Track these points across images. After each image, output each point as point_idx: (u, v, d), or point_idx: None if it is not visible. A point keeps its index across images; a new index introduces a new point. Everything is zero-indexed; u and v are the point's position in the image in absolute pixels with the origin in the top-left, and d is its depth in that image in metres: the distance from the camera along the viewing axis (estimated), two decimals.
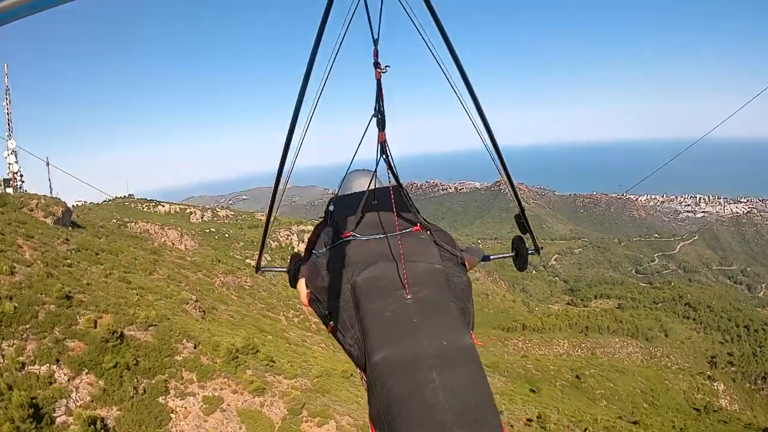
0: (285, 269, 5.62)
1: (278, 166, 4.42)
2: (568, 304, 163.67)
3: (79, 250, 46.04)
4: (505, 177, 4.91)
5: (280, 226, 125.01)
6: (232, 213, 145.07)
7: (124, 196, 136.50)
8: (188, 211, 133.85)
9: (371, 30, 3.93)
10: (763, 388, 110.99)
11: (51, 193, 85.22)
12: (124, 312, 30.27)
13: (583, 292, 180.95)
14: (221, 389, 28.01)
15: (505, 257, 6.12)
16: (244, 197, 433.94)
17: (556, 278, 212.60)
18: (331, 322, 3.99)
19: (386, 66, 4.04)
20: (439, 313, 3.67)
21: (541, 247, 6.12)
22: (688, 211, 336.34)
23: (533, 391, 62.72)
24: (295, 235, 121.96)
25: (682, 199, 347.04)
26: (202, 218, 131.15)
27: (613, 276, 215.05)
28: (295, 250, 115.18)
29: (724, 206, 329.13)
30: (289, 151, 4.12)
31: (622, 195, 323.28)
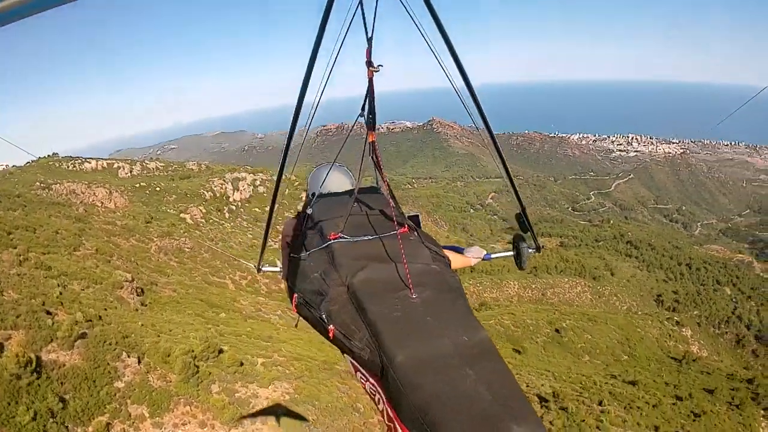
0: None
1: (281, 160, 4.34)
2: (509, 242, 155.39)
3: None
4: (505, 175, 5.00)
5: (213, 175, 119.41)
6: (162, 164, 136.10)
7: (48, 156, 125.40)
8: (116, 165, 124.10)
9: (365, 28, 3.80)
10: (726, 332, 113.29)
11: None
12: (41, 322, 22.46)
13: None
14: (184, 424, 21.13)
15: (506, 256, 6.24)
16: (173, 146, 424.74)
17: (495, 216, 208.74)
18: (331, 326, 3.86)
19: (379, 65, 3.94)
20: (449, 311, 3.70)
21: (543, 246, 5.99)
22: (620, 150, 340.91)
23: (518, 352, 61.63)
24: (230, 183, 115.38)
25: (614, 138, 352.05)
26: (131, 173, 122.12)
27: (551, 213, 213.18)
28: (231, 198, 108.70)
29: (657, 146, 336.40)
30: (291, 145, 4.10)
31: (556, 134, 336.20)
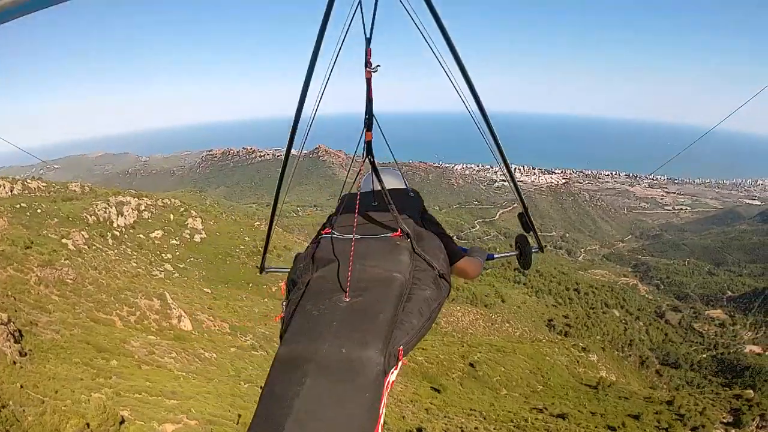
0: (288, 270, 4.89)
1: (281, 169, 4.86)
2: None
3: None
4: (508, 177, 5.23)
5: (97, 198, 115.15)
6: (44, 184, 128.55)
7: None
8: None
9: (364, 29, 3.81)
10: (630, 355, 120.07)
11: None
12: None
13: None
14: None
15: (510, 256, 6.61)
16: (56, 166, 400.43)
17: None
18: (281, 313, 3.98)
19: (377, 65, 3.93)
20: (363, 321, 3.55)
21: (545, 245, 6.45)
22: (503, 180, 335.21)
23: (438, 391, 58.35)
24: (114, 207, 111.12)
25: (497, 168, 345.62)
26: (11, 192, 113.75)
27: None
28: (115, 223, 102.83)
29: (539, 176, 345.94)
30: (290, 154, 4.50)
31: (440, 164, 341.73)
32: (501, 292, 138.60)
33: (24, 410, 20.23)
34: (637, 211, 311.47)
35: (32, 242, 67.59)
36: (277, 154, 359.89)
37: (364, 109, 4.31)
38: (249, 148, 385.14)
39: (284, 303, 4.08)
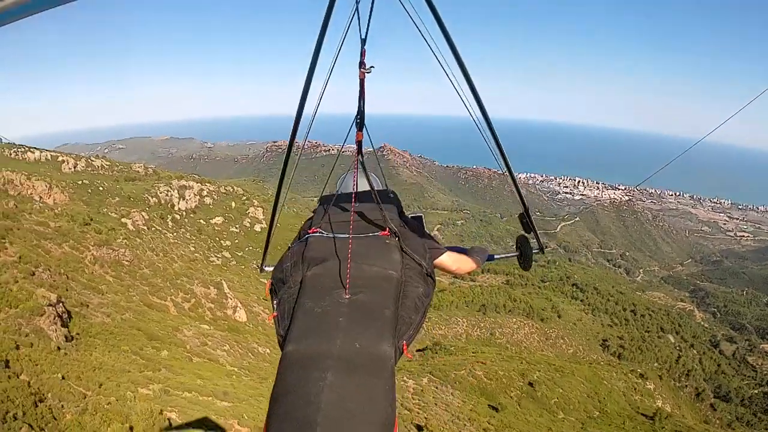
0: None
1: (283, 164, 4.61)
2: (455, 277, 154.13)
3: None
4: (510, 177, 4.96)
5: (159, 180, 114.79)
6: (108, 163, 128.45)
7: None
8: (60, 159, 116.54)
9: (359, 29, 3.83)
10: (686, 386, 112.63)
11: None
12: None
13: None
14: None
15: (510, 257, 6.31)
16: (120, 146, 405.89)
17: None
18: (275, 312, 3.99)
19: (371, 66, 3.94)
20: (368, 317, 3.62)
21: (546, 246, 6.16)
22: (566, 193, 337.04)
23: (495, 409, 55.42)
24: (176, 191, 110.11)
25: (561, 180, 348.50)
26: (75, 168, 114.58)
27: (495, 250, 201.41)
28: (176, 206, 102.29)
29: (603, 191, 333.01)
30: (293, 147, 4.40)
31: (504, 171, 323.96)
32: (558, 306, 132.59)
33: (63, 406, 18.19)
34: (698, 234, 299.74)
35: (91, 219, 66.86)
36: (342, 150, 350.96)
37: (357, 108, 4.26)
38: (314, 142, 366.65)
39: (275, 302, 4.02)
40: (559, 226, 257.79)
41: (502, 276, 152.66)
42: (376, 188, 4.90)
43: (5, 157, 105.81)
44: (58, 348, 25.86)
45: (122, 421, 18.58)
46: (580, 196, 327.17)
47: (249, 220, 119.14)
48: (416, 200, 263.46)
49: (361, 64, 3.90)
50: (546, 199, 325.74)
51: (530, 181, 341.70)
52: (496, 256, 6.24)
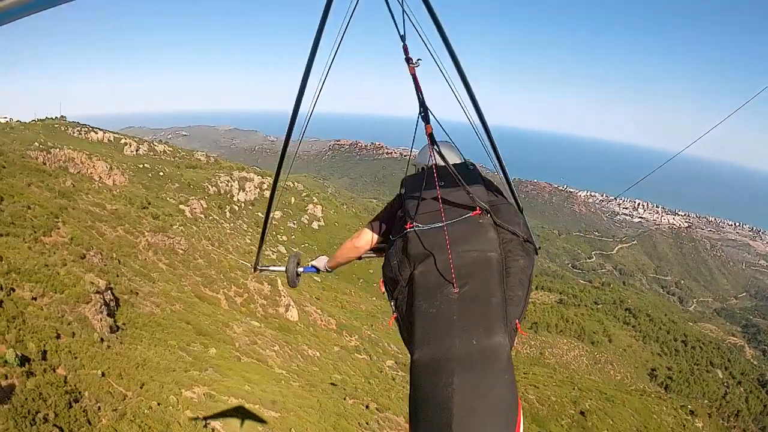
0: (284, 269, 5.90)
1: (279, 159, 4.69)
2: None
3: None
4: (504, 181, 4.80)
5: (221, 170, 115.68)
6: (170, 149, 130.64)
7: (55, 117, 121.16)
8: (123, 141, 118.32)
9: (396, 27, 3.82)
10: (735, 426, 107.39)
11: None
12: None
13: None
14: None
15: None
16: (185, 133, 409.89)
17: None
18: (394, 314, 4.05)
19: (418, 59, 3.95)
20: (478, 309, 3.62)
21: (539, 247, 5.12)
22: (625, 214, 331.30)
23: None
24: (236, 182, 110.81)
25: (621, 201, 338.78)
26: (136, 151, 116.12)
27: (551, 267, 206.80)
28: (236, 197, 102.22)
29: (662, 216, 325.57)
30: (289, 144, 4.47)
31: (564, 187, 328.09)
32: (609, 330, 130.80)
33: (99, 408, 16.97)
34: (755, 267, 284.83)
35: (149, 203, 67.00)
36: (404, 153, 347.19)
37: (418, 103, 4.15)
38: (377, 143, 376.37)
39: (392, 303, 4.05)
40: (616, 248, 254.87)
41: (556, 294, 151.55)
42: (457, 162, 4.88)
43: (68, 135, 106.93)
44: (101, 340, 24.53)
45: (162, 431, 17.03)
46: (639, 219, 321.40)
47: (307, 217, 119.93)
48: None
49: (408, 59, 3.89)
50: (605, 219, 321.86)
51: (590, 200, 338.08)
52: None
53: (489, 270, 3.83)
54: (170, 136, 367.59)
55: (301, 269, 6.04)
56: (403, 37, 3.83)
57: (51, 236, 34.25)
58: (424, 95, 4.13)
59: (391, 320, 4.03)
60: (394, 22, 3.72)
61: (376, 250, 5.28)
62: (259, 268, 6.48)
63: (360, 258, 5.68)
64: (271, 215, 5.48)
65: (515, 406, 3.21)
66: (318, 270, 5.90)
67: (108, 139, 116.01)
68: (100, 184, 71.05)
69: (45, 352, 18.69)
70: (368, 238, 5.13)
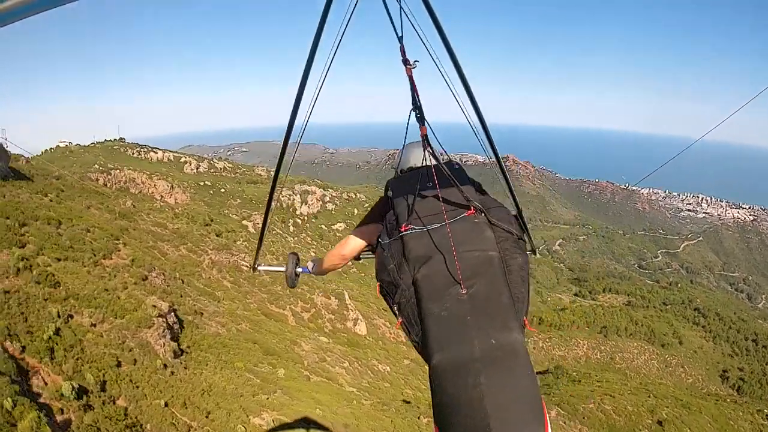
0: (283, 269, 5.95)
1: (278, 158, 4.63)
2: (576, 294, 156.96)
3: None
4: (503, 179, 4.87)
5: (282, 184, 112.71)
6: (230, 165, 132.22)
7: (114, 139, 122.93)
8: (183, 160, 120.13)
9: (394, 28, 3.80)
10: None
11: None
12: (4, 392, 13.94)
13: (590, 284, 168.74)
14: None
15: None
16: (244, 149, 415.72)
17: (562, 265, 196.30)
18: (399, 319, 4.01)
19: (415, 61, 3.99)
20: (490, 308, 3.67)
21: (538, 247, 6.03)
22: (689, 210, 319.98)
23: None
24: (298, 195, 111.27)
25: (684, 197, 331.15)
26: (197, 169, 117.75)
27: (617, 268, 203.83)
28: (298, 210, 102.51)
29: (726, 210, 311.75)
30: (288, 145, 4.31)
31: (626, 186, 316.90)
32: (679, 332, 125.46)
33: None
34: None
35: (212, 220, 67.70)
36: (464, 160, 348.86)
37: (413, 104, 4.25)
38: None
39: (395, 308, 4.02)
40: (682, 246, 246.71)
41: (624, 296, 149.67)
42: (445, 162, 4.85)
43: (128, 156, 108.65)
44: (164, 366, 23.58)
45: None
46: (704, 215, 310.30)
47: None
48: (538, 213, 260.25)
49: (405, 61, 3.91)
50: (669, 216, 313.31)
51: (653, 197, 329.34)
52: None
53: (493, 269, 3.87)
54: (229, 152, 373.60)
55: (300, 269, 6.00)
56: (400, 39, 3.83)
57: (111, 259, 33.35)
58: (420, 97, 4.20)
59: (397, 325, 3.99)
60: (392, 22, 3.69)
61: (366, 253, 5.22)
62: (257, 268, 6.44)
63: (359, 259, 5.60)
64: (269, 217, 5.54)
65: (540, 398, 3.28)
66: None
67: (168, 159, 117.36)
68: (161, 203, 71.76)
69: (104, 382, 17.82)
70: (355, 245, 5.09)
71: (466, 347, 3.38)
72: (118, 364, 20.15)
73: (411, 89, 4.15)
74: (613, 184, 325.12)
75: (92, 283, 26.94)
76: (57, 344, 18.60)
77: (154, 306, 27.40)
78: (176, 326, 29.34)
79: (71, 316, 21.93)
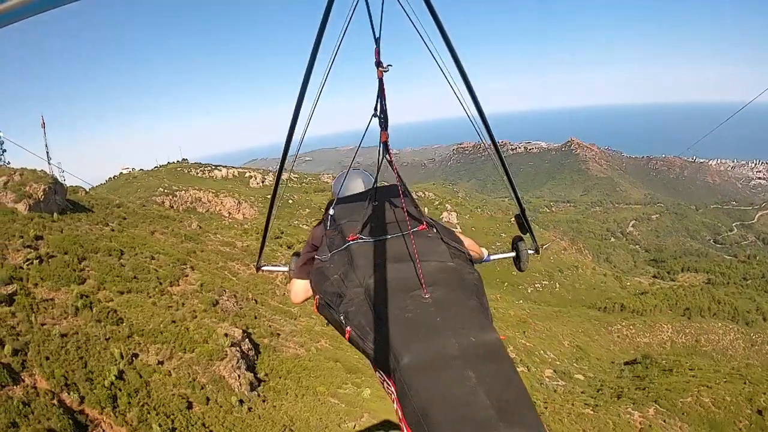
0: (287, 269, 5.45)
1: (279, 164, 4.49)
2: (654, 276, 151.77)
3: (50, 257, 27.00)
4: (505, 177, 4.90)
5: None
6: (296, 176, 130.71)
7: (177, 161, 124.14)
8: (247, 175, 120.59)
9: (372, 28, 3.63)
10: None
11: (49, 163, 67.15)
12: None
13: (668, 264, 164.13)
14: None
15: (506, 257, 5.84)
16: (307, 158, 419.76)
17: (637, 247, 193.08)
18: (348, 328, 3.71)
19: (388, 65, 3.79)
20: (459, 311, 3.51)
21: (542, 245, 7.04)
22: (760, 178, 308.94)
23: None
24: None
25: (753, 164, 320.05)
26: (262, 183, 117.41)
27: (693, 245, 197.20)
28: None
29: None
30: (290, 151, 4.14)
31: (694, 159, 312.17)
32: (762, 308, 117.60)
33: None
34: None
35: (282, 232, 68.36)
36: (529, 148, 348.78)
37: (379, 109, 4.05)
38: (501, 141, 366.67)
39: (340, 317, 3.73)
40: (757, 216, 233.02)
41: (703, 275, 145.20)
42: (370, 186, 5.00)
43: (192, 176, 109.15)
44: (240, 402, 21.92)
45: None
46: None
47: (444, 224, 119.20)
48: (608, 195, 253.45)
49: (378, 63, 3.72)
50: (740, 186, 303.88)
51: (721, 168, 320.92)
52: (492, 257, 5.67)
53: (453, 277, 3.76)
54: (294, 163, 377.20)
55: None
56: (377, 40, 3.61)
57: (179, 285, 32.25)
58: (386, 103, 3.97)
59: (346, 336, 3.64)
60: (371, 22, 3.49)
61: None
62: (261, 267, 6.09)
63: None
64: (273, 216, 4.96)
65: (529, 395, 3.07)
66: None
67: (233, 175, 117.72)
68: (230, 220, 72.94)
69: (173, 430, 16.26)
70: (304, 286, 4.68)
71: (440, 346, 3.11)
72: (189, 406, 18.68)
73: (379, 92, 3.91)
74: (681, 158, 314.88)
75: (158, 315, 25.42)
76: (120, 390, 17.16)
77: (227, 334, 25.98)
78: (252, 353, 27.84)
79: (136, 356, 20.49)
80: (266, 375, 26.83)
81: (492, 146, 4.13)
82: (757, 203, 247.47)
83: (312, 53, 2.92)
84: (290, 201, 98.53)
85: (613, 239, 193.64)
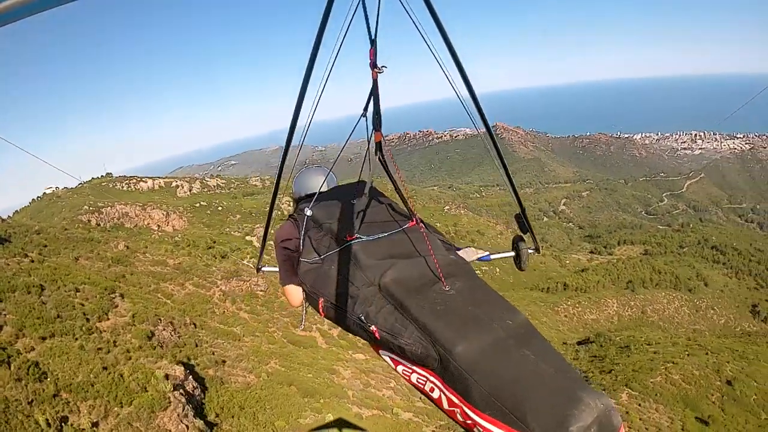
0: None
1: (279, 163, 4.53)
2: (592, 252, 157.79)
3: None
4: (505, 176, 4.76)
5: (279, 191, 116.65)
6: (224, 181, 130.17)
7: (101, 176, 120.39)
8: (174, 184, 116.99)
9: (368, 30, 3.80)
10: None
11: None
12: None
13: (604, 239, 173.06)
14: None
15: (506, 257, 5.94)
16: (233, 162, 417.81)
17: (571, 224, 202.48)
18: (373, 328, 3.76)
19: (383, 66, 3.94)
20: (484, 299, 3.70)
21: (542, 246, 6.01)
22: (685, 149, 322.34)
23: (704, 423, 49.67)
24: None
25: (677, 135, 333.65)
26: (190, 191, 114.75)
27: (626, 218, 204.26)
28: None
29: (721, 142, 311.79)
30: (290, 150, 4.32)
31: (619, 135, 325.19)
32: (702, 274, 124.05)
33: None
34: None
35: (214, 242, 65.06)
36: (454, 135, 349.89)
37: (372, 109, 4.20)
38: (425, 130, 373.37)
39: (361, 316, 3.78)
40: (686, 185, 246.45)
41: (639, 246, 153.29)
42: (332, 186, 5.50)
43: (118, 191, 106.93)
44: None
45: None
46: (700, 151, 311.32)
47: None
48: (537, 176, 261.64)
49: (373, 64, 3.83)
50: (666, 158, 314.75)
51: (647, 141, 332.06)
52: (492, 256, 5.76)
53: (465, 269, 3.95)
54: (220, 168, 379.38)
55: None
56: (373, 41, 3.72)
57: (108, 319, 28.77)
58: (380, 103, 4.10)
59: (376, 332, 3.66)
60: (367, 23, 3.63)
61: None
62: (261, 269, 6.41)
63: None
64: (272, 218, 5.30)
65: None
66: None
67: (159, 185, 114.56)
68: (159, 233, 70.43)
69: None
70: (300, 290, 4.66)
71: (486, 331, 3.30)
72: None
73: (372, 93, 4.03)
74: (606, 135, 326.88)
75: (87, 362, 21.79)
76: None
77: (167, 376, 22.70)
78: (198, 392, 24.80)
79: (65, 419, 17.24)
80: (217, 416, 24.18)
81: (492, 149, 4.21)
82: (685, 173, 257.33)
83: (312, 53, 2.95)
84: (219, 208, 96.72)
85: (546, 219, 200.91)
